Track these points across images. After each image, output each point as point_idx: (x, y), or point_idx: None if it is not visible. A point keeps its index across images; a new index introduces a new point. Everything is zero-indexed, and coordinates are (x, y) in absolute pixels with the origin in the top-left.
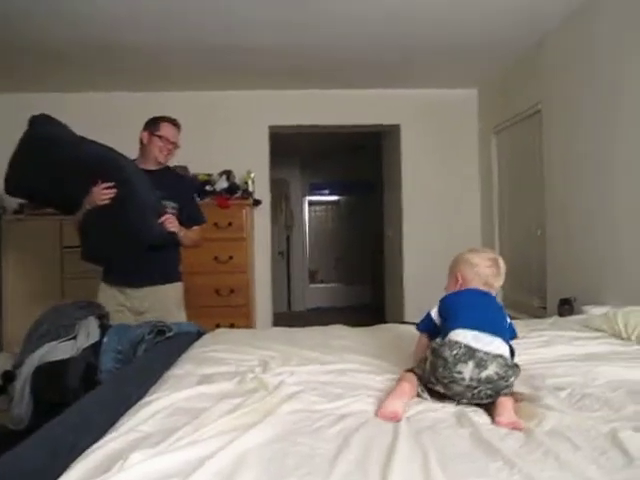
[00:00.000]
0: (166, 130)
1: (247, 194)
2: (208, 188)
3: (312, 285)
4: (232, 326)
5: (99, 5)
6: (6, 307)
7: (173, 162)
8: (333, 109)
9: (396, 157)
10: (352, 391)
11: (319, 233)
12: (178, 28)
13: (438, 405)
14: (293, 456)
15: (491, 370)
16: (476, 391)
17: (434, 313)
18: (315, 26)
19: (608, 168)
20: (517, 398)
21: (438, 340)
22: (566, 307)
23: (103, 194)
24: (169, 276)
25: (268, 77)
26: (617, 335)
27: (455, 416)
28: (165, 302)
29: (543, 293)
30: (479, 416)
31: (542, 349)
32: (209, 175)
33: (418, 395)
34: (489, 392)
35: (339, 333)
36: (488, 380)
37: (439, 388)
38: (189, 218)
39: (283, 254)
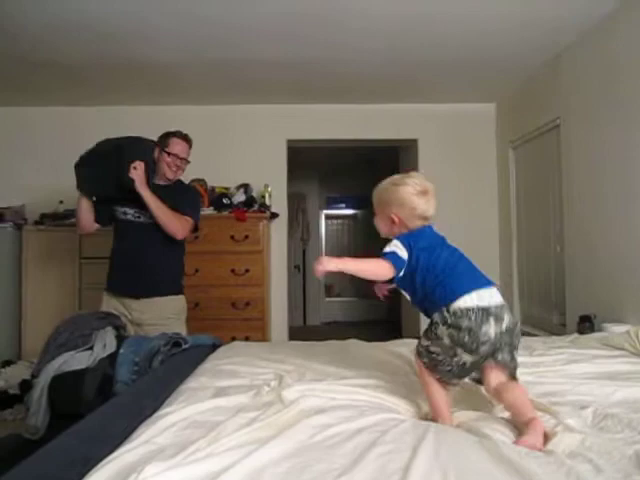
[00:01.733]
0: (175, 146)
1: (264, 207)
2: (225, 201)
3: (328, 299)
4: (247, 339)
5: (116, 22)
6: (25, 316)
7: (190, 176)
8: (351, 124)
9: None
10: (368, 406)
11: (335, 247)
12: (197, 43)
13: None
14: (309, 471)
15: (507, 319)
16: (499, 344)
17: (405, 258)
18: (333, 41)
19: (628, 183)
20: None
21: (444, 315)
22: (586, 324)
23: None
24: (169, 288)
25: (287, 91)
26: (638, 354)
27: (475, 433)
28: (164, 314)
29: (562, 310)
30: (500, 433)
31: (562, 367)
32: (227, 188)
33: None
34: (508, 340)
35: (355, 348)
36: (507, 329)
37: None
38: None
39: (299, 268)
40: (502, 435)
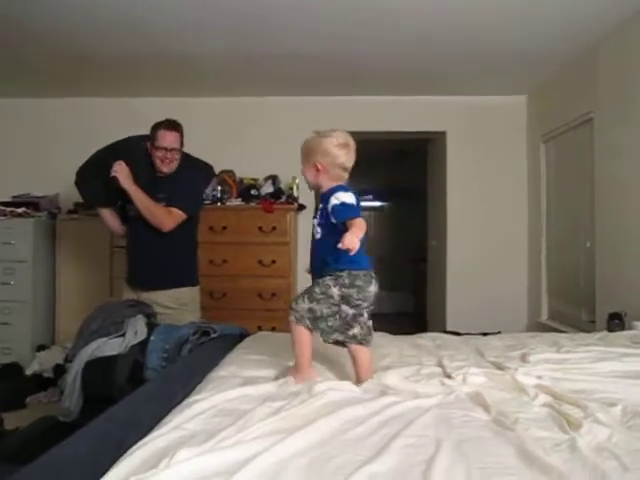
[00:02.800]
0: (162, 139)
1: (292, 199)
2: (253, 192)
3: None
4: (273, 329)
5: (145, 15)
6: (58, 303)
7: (219, 167)
8: (379, 115)
9: (441, 164)
10: (394, 398)
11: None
12: (227, 36)
13: (479, 414)
14: (334, 462)
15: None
16: (370, 304)
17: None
18: (361, 33)
19: None
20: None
21: (342, 279)
22: (616, 322)
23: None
24: (181, 280)
25: (314, 84)
26: None
27: (498, 424)
28: (167, 304)
29: (592, 307)
30: (525, 429)
31: (590, 364)
32: (255, 180)
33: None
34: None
35: (381, 340)
36: (376, 294)
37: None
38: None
39: None
40: (527, 431)
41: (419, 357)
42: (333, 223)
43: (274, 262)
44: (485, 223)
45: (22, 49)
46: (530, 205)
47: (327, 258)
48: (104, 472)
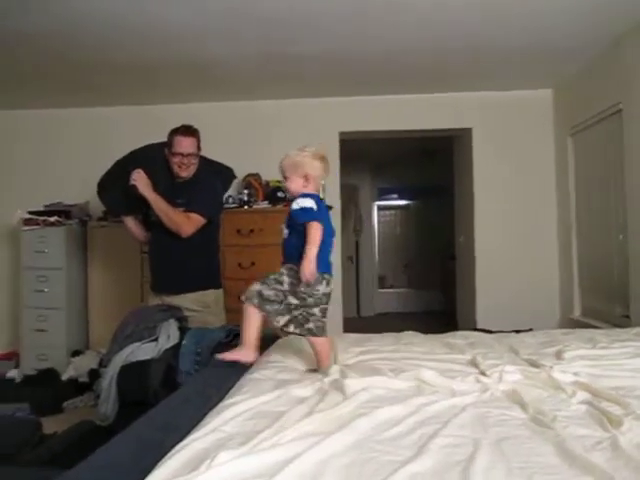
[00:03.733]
0: (178, 145)
1: None
2: (280, 195)
3: (381, 290)
4: None
5: (160, 24)
6: (91, 309)
7: (245, 170)
8: (404, 114)
9: (468, 161)
10: (430, 397)
11: (388, 238)
12: (247, 38)
13: (516, 412)
14: (372, 462)
15: (331, 287)
16: (319, 302)
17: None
18: (383, 32)
19: None
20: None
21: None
22: None
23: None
24: (204, 283)
25: (337, 84)
26: None
27: (537, 423)
28: (190, 307)
29: (626, 301)
30: (564, 427)
31: (627, 360)
32: (280, 182)
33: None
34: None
35: (412, 339)
36: (328, 294)
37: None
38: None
39: (352, 259)
40: (566, 429)
41: (452, 355)
42: (296, 224)
43: None
44: (513, 219)
45: (47, 62)
46: (559, 200)
47: (292, 254)
48: (146, 474)
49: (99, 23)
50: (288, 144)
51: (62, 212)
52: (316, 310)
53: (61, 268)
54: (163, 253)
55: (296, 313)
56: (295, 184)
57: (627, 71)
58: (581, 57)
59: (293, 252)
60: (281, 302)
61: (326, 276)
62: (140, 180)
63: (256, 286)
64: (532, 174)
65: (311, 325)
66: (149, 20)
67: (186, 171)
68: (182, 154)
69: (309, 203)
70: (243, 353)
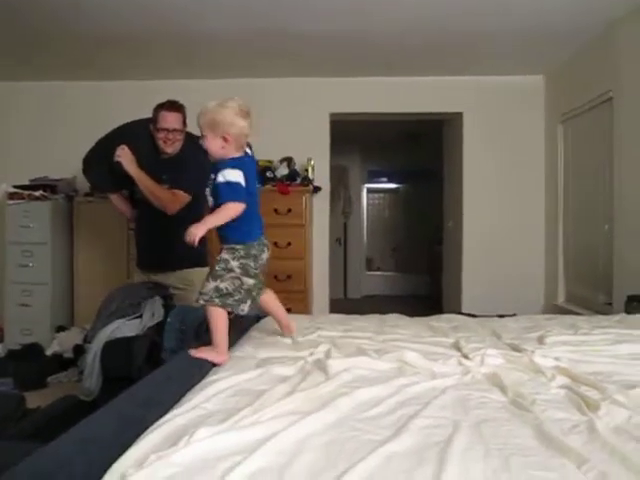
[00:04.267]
0: (163, 120)
1: (307, 181)
2: (269, 174)
3: (368, 273)
4: (289, 311)
5: None
6: (77, 284)
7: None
8: (394, 97)
9: (458, 146)
10: (411, 378)
11: (377, 221)
12: (240, 16)
13: (496, 395)
14: (352, 441)
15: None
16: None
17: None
18: (375, 13)
19: None
20: None
21: (237, 251)
22: (634, 304)
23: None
24: (189, 261)
25: (330, 65)
26: None
27: (516, 406)
28: (182, 286)
29: (609, 289)
30: (543, 410)
31: (608, 347)
32: (270, 162)
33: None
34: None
35: (398, 322)
36: (267, 258)
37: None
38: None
39: (340, 241)
40: (544, 413)
41: (436, 338)
42: None
43: (290, 244)
44: (501, 205)
45: (33, 31)
46: (547, 187)
47: (224, 231)
48: (126, 449)
49: None
50: (278, 124)
51: (48, 186)
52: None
53: (46, 243)
54: (149, 230)
55: (254, 293)
56: (214, 145)
57: (618, 59)
58: (573, 44)
59: (222, 228)
60: (239, 289)
61: (265, 242)
62: (125, 156)
63: (210, 284)
64: (521, 161)
65: (254, 294)
66: None
67: (171, 147)
68: (167, 129)
69: (236, 177)
70: (215, 355)
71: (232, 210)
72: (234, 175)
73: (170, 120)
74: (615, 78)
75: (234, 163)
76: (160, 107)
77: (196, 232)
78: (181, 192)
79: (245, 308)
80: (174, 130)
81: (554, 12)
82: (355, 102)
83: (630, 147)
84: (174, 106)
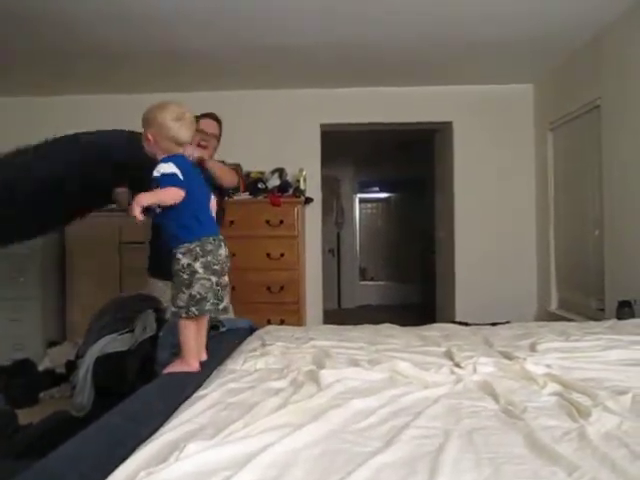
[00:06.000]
0: (204, 124)
1: (299, 192)
2: (260, 186)
3: (362, 282)
4: (282, 322)
5: (148, 8)
6: (69, 299)
7: (225, 161)
8: (385, 107)
9: (448, 155)
10: (403, 388)
11: (370, 231)
12: (229, 29)
13: (487, 403)
14: (343, 454)
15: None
16: (226, 267)
17: (180, 176)
18: (366, 25)
19: None
20: None
21: (194, 249)
22: (625, 310)
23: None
24: None
25: (320, 76)
26: None
27: (507, 414)
28: None
29: (601, 295)
30: (534, 418)
31: (599, 353)
32: (261, 173)
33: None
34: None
35: (390, 332)
36: (227, 255)
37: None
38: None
39: (333, 252)
40: (535, 420)
41: (428, 347)
42: None
43: (282, 255)
44: (493, 212)
45: (12, 44)
46: (538, 194)
47: (176, 231)
48: (117, 466)
49: (75, 7)
50: (269, 135)
51: None
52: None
53: (37, 258)
54: None
55: (223, 292)
56: (145, 143)
57: (605, 67)
58: (561, 53)
59: (175, 228)
60: (210, 289)
61: (222, 238)
62: (201, 151)
63: (184, 294)
64: (512, 168)
65: (225, 302)
66: (129, 6)
67: (207, 153)
68: (205, 132)
69: (169, 169)
70: (185, 364)
71: (172, 192)
72: (167, 167)
73: (210, 126)
74: (602, 86)
75: (166, 159)
76: (204, 115)
77: (139, 202)
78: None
79: (222, 307)
80: (211, 134)
81: (542, 22)
82: (345, 113)
83: (618, 153)
84: (216, 117)
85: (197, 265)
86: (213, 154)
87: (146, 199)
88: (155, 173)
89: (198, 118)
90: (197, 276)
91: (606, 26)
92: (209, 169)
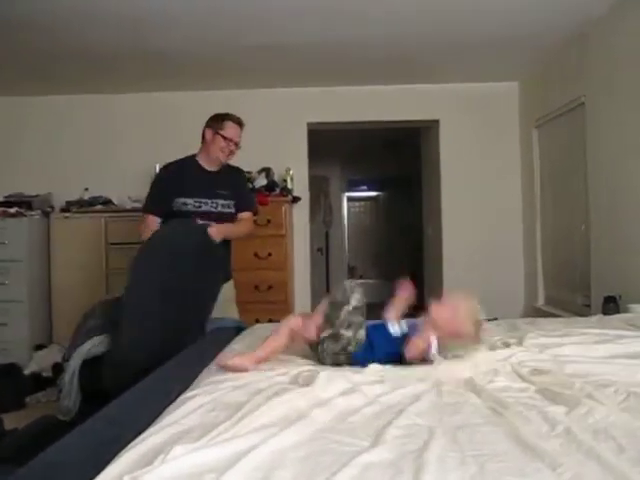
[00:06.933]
0: (231, 131)
1: (286, 191)
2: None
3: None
4: (271, 322)
5: (134, 11)
6: (55, 301)
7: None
8: (372, 105)
9: (435, 153)
10: (386, 386)
11: (358, 229)
12: (214, 29)
13: (471, 399)
14: (328, 454)
15: None
16: None
17: None
18: (351, 24)
19: None
20: None
21: None
22: (611, 305)
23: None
24: (225, 275)
25: (305, 75)
26: None
27: (491, 410)
28: (222, 299)
29: (587, 291)
30: (519, 413)
31: (585, 347)
32: (248, 172)
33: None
34: None
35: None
36: None
37: None
38: (240, 208)
39: (322, 250)
40: (519, 417)
41: None
42: None
43: (270, 255)
44: (480, 209)
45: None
46: (524, 191)
47: None
48: (100, 470)
49: (59, 8)
50: (255, 135)
51: (23, 203)
52: None
53: (22, 260)
54: None
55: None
56: None
57: (590, 65)
58: (546, 51)
59: None
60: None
61: None
62: (216, 234)
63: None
64: (498, 165)
65: None
66: (113, 7)
67: (227, 158)
68: (232, 140)
69: None
70: (245, 359)
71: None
72: None
73: (236, 133)
74: (587, 83)
75: None
76: (226, 117)
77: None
78: (251, 214)
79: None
80: (236, 143)
81: (527, 20)
82: (332, 111)
83: (602, 150)
84: (240, 122)
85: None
86: (230, 159)
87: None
88: None
89: (224, 119)
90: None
91: (590, 24)
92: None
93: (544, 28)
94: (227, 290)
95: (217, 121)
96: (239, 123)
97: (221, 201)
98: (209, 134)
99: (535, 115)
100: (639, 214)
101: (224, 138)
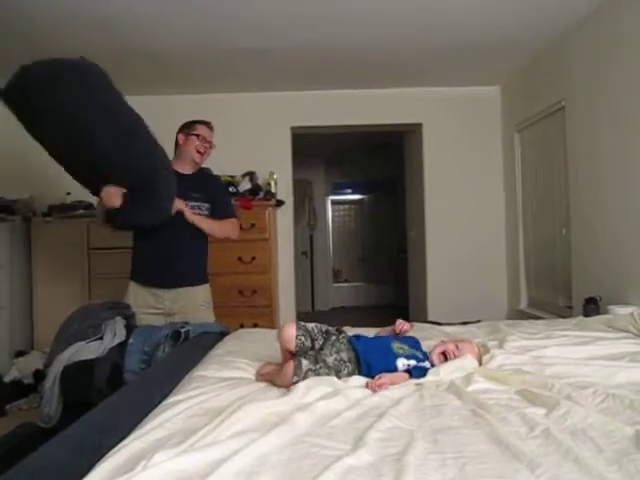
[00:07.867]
0: (202, 130)
1: (270, 195)
2: (231, 189)
3: (336, 284)
4: (255, 326)
5: (115, 12)
6: (36, 307)
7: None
8: (355, 109)
9: (418, 156)
10: (369, 391)
11: (342, 232)
12: (200, 31)
13: (452, 402)
14: (310, 458)
15: None
16: None
17: None
18: (334, 28)
19: (634, 166)
20: None
21: None
22: (592, 306)
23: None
24: (199, 278)
25: (290, 78)
26: None
27: (471, 412)
28: (195, 303)
29: (569, 292)
30: (498, 414)
31: (565, 349)
32: (232, 177)
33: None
34: None
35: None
36: None
37: None
38: (219, 214)
39: (307, 254)
40: (496, 417)
41: None
42: None
43: (254, 259)
44: (463, 212)
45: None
46: (506, 194)
47: None
48: (82, 477)
49: (52, 10)
50: (239, 139)
51: (4, 208)
52: None
53: (2, 266)
54: (168, 245)
55: None
56: None
57: (569, 69)
58: (527, 55)
59: None
60: None
61: None
62: (180, 204)
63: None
64: (480, 169)
65: None
66: (101, 7)
67: (201, 158)
68: (205, 138)
69: None
70: (286, 372)
71: None
72: None
73: (207, 132)
74: (567, 88)
75: None
76: (197, 122)
77: None
78: (234, 218)
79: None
80: (209, 142)
81: (507, 25)
82: (316, 115)
83: (582, 154)
84: (210, 125)
85: None
86: (205, 159)
87: None
88: None
89: (194, 123)
90: None
91: (570, 29)
92: (189, 221)
93: (525, 34)
94: (202, 293)
95: (188, 125)
96: (209, 126)
97: (192, 202)
98: (182, 138)
99: (516, 119)
100: (619, 217)
101: (197, 136)
